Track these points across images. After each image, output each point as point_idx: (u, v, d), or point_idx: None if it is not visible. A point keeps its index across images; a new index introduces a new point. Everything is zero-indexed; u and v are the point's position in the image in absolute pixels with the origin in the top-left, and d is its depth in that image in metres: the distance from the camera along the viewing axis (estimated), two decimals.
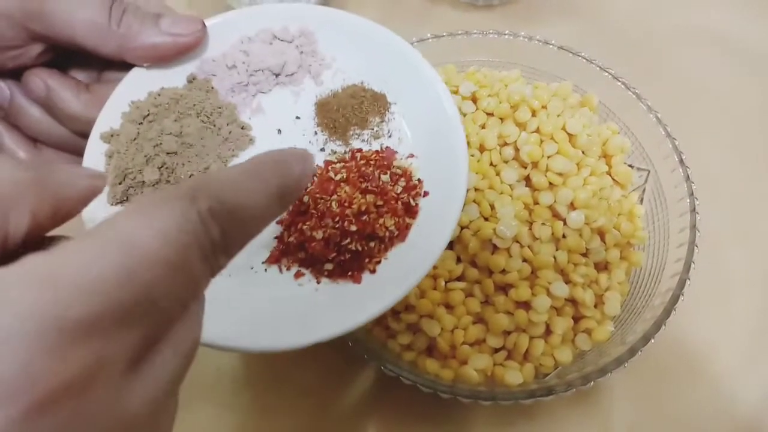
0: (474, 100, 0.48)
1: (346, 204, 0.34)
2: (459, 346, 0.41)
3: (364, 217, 0.34)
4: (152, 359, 0.18)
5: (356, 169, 0.35)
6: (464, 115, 0.47)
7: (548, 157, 0.44)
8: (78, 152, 0.37)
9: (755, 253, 0.50)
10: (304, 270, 0.34)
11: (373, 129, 0.37)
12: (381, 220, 0.34)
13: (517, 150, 0.45)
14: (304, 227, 0.34)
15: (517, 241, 0.43)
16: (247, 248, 0.28)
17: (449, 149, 0.35)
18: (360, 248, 0.33)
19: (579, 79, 0.50)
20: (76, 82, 0.36)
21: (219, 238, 0.19)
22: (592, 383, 0.38)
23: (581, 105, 0.49)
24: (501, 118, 0.47)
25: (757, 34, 0.60)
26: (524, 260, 0.43)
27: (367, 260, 0.33)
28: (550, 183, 0.44)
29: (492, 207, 0.43)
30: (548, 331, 0.42)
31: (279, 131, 0.37)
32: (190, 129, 0.35)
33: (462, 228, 0.43)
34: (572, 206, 0.44)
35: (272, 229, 0.35)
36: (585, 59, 0.49)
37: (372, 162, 0.36)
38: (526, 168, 0.45)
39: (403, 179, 0.35)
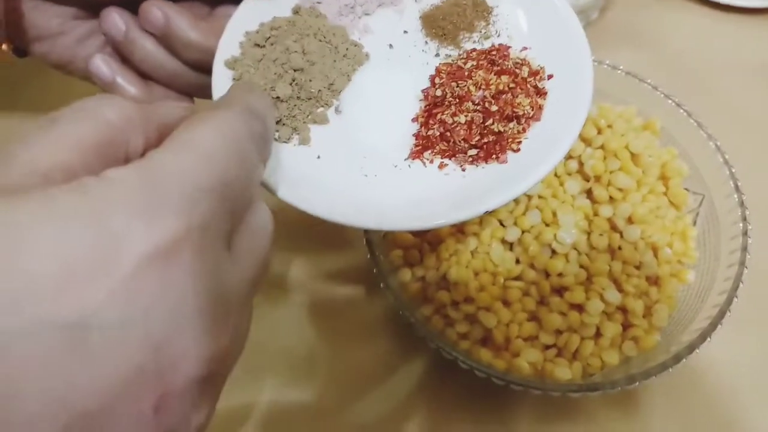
0: None
1: (485, 85, 0.35)
2: (513, 339, 0.44)
3: (504, 97, 0.35)
4: (239, 240, 0.24)
5: (482, 57, 0.37)
6: None
7: (611, 172, 0.47)
8: (189, 87, 0.39)
9: None
10: (447, 161, 0.35)
11: (481, 31, 0.38)
12: (517, 100, 0.35)
13: (581, 164, 0.48)
14: (444, 116, 0.35)
15: (575, 248, 0.46)
16: (386, 151, 0.35)
17: (565, 33, 0.36)
18: (502, 129, 0.34)
19: (643, 104, 0.52)
20: (192, 13, 0.37)
21: (261, 129, 0.26)
22: (637, 383, 0.41)
23: (644, 128, 0.52)
24: None
25: None
26: (581, 266, 0.45)
27: (509, 141, 0.34)
28: (611, 197, 0.47)
29: (554, 214, 0.46)
30: (598, 334, 0.44)
31: (390, 46, 0.39)
32: (311, 47, 0.36)
33: (523, 231, 0.47)
34: (630, 221, 0.47)
35: (408, 128, 0.36)
36: (650, 86, 0.52)
37: (493, 53, 0.37)
38: (588, 181, 0.48)
39: (525, 67, 0.36)
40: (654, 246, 0.47)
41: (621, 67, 0.53)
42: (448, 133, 0.34)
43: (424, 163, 0.35)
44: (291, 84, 0.35)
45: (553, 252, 0.46)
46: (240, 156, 0.24)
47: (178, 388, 0.20)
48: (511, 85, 0.35)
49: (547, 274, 0.46)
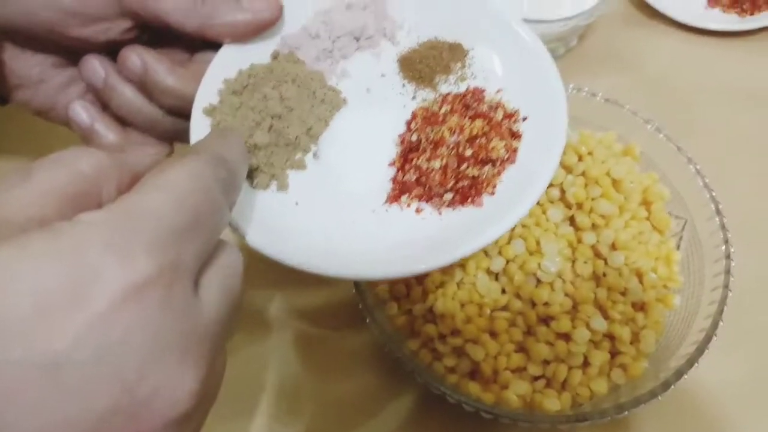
0: None
1: (458, 131, 0.35)
2: (501, 372, 0.44)
3: (478, 141, 0.35)
4: (208, 280, 0.25)
5: (458, 101, 0.37)
6: None
7: (592, 199, 0.47)
8: (168, 132, 0.39)
9: None
10: (423, 205, 0.35)
11: (457, 73, 0.39)
12: (492, 144, 0.35)
13: (563, 191, 0.48)
14: (419, 162, 0.35)
15: (560, 277, 0.46)
16: (364, 195, 0.36)
17: (539, 73, 0.37)
18: (477, 173, 0.34)
19: (623, 129, 0.53)
20: (170, 59, 0.38)
21: (227, 176, 0.27)
22: (626, 412, 0.40)
23: (624, 154, 0.52)
24: None
25: None
26: (566, 294, 0.45)
27: (485, 184, 0.35)
28: (593, 224, 0.47)
29: (537, 243, 0.46)
30: (586, 363, 0.44)
31: (368, 90, 0.39)
32: (289, 93, 0.37)
33: (508, 261, 0.47)
34: (613, 247, 0.47)
35: (385, 172, 0.36)
36: (629, 111, 0.52)
37: (468, 97, 0.37)
38: (570, 208, 0.48)
39: (500, 109, 0.37)
40: (639, 271, 0.47)
41: (600, 94, 0.53)
42: (424, 178, 0.35)
43: (401, 208, 0.35)
44: (269, 131, 0.36)
45: (538, 281, 0.46)
46: (207, 198, 0.25)
47: (154, 428, 0.20)
48: (486, 129, 0.35)
49: (533, 304, 0.45)
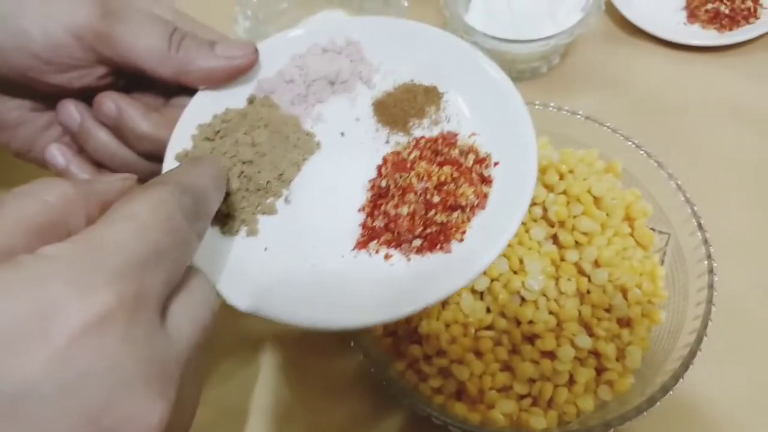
0: None
1: (426, 177, 0.35)
2: (487, 391, 0.44)
3: (446, 188, 0.35)
4: (176, 308, 0.25)
5: (428, 146, 0.37)
6: None
7: (574, 217, 0.47)
8: (142, 175, 0.39)
9: None
10: (392, 251, 0.35)
11: (431, 117, 0.39)
12: (460, 190, 0.35)
13: (545, 210, 0.48)
14: (388, 208, 0.35)
15: (544, 295, 0.46)
16: (333, 241, 0.36)
17: (510, 116, 0.37)
18: (445, 219, 0.34)
19: (604, 147, 0.53)
20: (145, 104, 0.38)
21: (192, 204, 0.27)
22: (612, 430, 0.40)
23: (606, 171, 0.52)
24: None
25: None
26: (550, 312, 0.45)
27: (453, 230, 0.34)
28: (576, 242, 0.47)
29: (521, 261, 0.47)
30: (572, 381, 0.44)
31: (342, 134, 0.39)
32: (262, 139, 0.37)
33: (492, 280, 0.47)
34: (597, 264, 0.47)
35: (355, 218, 0.36)
36: (610, 129, 0.53)
37: (439, 142, 0.37)
38: (553, 227, 0.48)
39: (471, 154, 0.36)
40: (623, 288, 0.47)
41: (580, 112, 0.54)
42: (392, 224, 0.35)
43: (370, 254, 0.35)
44: (239, 177, 0.36)
45: (523, 299, 0.46)
46: (170, 228, 0.25)
47: None
48: (455, 175, 0.35)
49: (518, 322, 0.46)
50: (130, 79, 0.39)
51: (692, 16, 0.71)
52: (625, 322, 0.47)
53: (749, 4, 0.69)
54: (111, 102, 0.37)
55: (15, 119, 0.40)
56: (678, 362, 0.43)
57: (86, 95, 0.39)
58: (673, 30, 0.69)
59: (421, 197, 0.35)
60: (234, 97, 0.39)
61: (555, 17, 0.65)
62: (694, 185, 0.50)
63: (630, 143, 0.52)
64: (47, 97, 0.40)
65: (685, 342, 0.44)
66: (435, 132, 0.38)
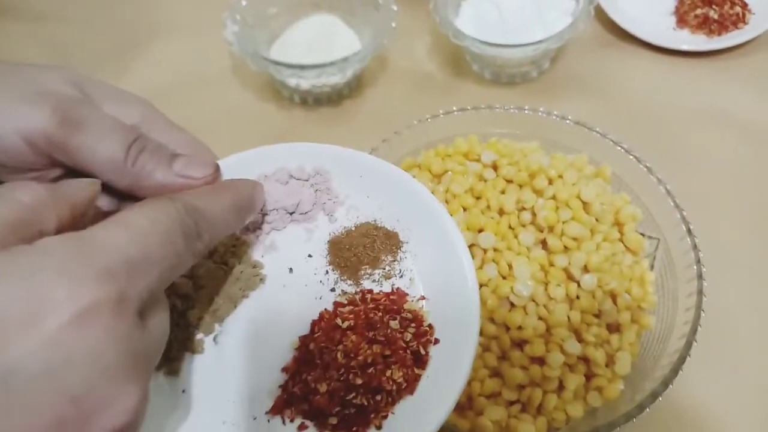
0: (495, 167, 0.51)
1: (352, 355, 0.33)
2: (476, 398, 0.43)
3: (371, 370, 0.33)
4: (151, 317, 0.27)
5: (364, 315, 0.35)
6: (485, 181, 0.50)
7: (563, 222, 0.47)
8: None
9: (762, 318, 0.52)
10: (308, 422, 0.33)
11: (384, 269, 0.37)
12: (389, 372, 0.33)
13: (534, 215, 0.48)
14: (309, 378, 0.33)
15: (533, 300, 0.46)
16: (251, 396, 0.33)
17: (461, 293, 0.35)
18: (366, 402, 0.32)
19: (594, 151, 0.53)
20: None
21: (193, 225, 0.29)
22: None
23: (595, 176, 0.52)
24: (520, 185, 0.50)
25: (761, 112, 0.64)
26: (539, 318, 0.45)
27: (372, 415, 0.32)
28: (565, 246, 0.47)
29: (510, 267, 0.46)
30: (561, 387, 0.44)
31: (290, 270, 0.37)
32: (202, 271, 0.36)
33: (481, 286, 0.46)
34: (586, 269, 0.47)
35: (277, 377, 0.34)
36: (599, 134, 0.53)
37: (381, 306, 0.35)
38: (542, 232, 0.48)
39: (413, 325, 0.35)
40: (612, 293, 0.47)
41: (570, 117, 0.54)
42: (310, 397, 0.33)
43: (284, 421, 0.33)
44: (172, 311, 0.33)
45: (512, 305, 0.46)
46: (165, 241, 0.27)
47: None
48: (386, 353, 0.33)
49: (507, 328, 0.45)
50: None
51: (681, 21, 0.71)
52: (615, 328, 0.47)
53: (738, 9, 0.70)
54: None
55: None
56: (667, 368, 0.43)
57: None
58: (663, 35, 0.70)
59: (343, 375, 0.33)
60: None
61: (545, 22, 0.65)
62: (683, 190, 0.50)
63: (619, 148, 0.52)
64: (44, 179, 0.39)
65: (675, 347, 0.44)
66: (385, 287, 0.37)
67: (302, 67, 0.59)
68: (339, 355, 0.33)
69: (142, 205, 0.27)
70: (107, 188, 0.37)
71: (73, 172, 0.37)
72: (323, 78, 0.61)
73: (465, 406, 0.44)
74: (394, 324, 0.34)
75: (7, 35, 0.74)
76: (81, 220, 0.30)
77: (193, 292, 0.36)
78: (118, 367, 0.23)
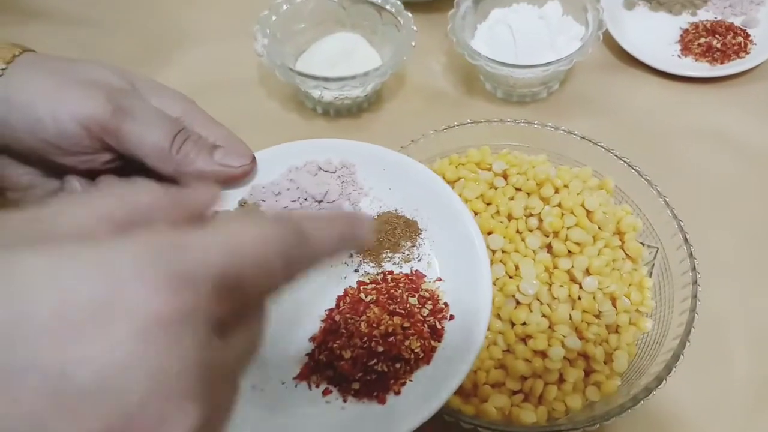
0: (505, 176, 0.55)
1: (374, 325, 0.36)
2: (481, 386, 0.46)
3: (391, 339, 0.35)
4: (233, 336, 0.24)
5: (386, 291, 0.38)
6: (495, 188, 0.54)
7: (568, 228, 0.51)
8: None
9: (751, 320, 0.55)
10: (332, 388, 0.36)
11: (404, 253, 0.40)
12: (407, 342, 0.35)
13: (540, 221, 0.52)
14: (334, 346, 0.36)
15: (538, 299, 0.49)
16: (279, 363, 0.35)
17: (474, 277, 0.38)
18: (386, 369, 0.35)
19: (598, 165, 0.57)
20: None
21: (297, 256, 0.26)
22: (597, 425, 0.43)
23: (599, 187, 0.55)
24: (528, 193, 0.53)
25: (756, 135, 0.67)
26: (543, 315, 0.48)
27: (392, 381, 0.35)
28: (569, 251, 0.50)
29: (516, 267, 0.50)
30: (561, 380, 0.47)
31: None
32: None
33: None
34: (587, 272, 0.50)
35: (305, 346, 0.37)
36: (604, 148, 0.56)
37: (401, 284, 0.38)
38: (548, 236, 0.51)
39: (430, 302, 0.37)
40: (612, 296, 0.50)
41: (576, 132, 0.57)
42: (335, 363, 0.36)
43: (310, 386, 0.36)
44: None
45: (517, 302, 0.49)
46: (262, 262, 0.24)
47: None
48: (406, 325, 0.36)
49: (512, 324, 0.48)
50: (133, 165, 0.41)
51: (686, 49, 0.75)
52: (613, 329, 0.50)
53: (740, 39, 0.74)
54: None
55: (26, 183, 0.43)
56: (662, 365, 0.46)
57: (91, 174, 0.42)
58: (667, 61, 0.73)
59: (366, 343, 0.35)
60: (227, 199, 0.41)
61: (555, 45, 0.69)
62: (681, 203, 0.53)
63: (622, 162, 0.55)
64: (56, 169, 0.42)
65: (669, 347, 0.47)
66: (404, 269, 0.40)
67: (326, 79, 0.63)
68: (362, 324, 0.36)
69: (252, 218, 0.25)
70: (151, 174, 0.40)
71: (122, 158, 0.41)
72: (345, 91, 0.65)
73: (471, 393, 0.47)
74: (413, 300, 0.37)
75: (38, 39, 0.77)
76: (199, 220, 0.27)
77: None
78: (180, 385, 0.20)
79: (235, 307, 0.23)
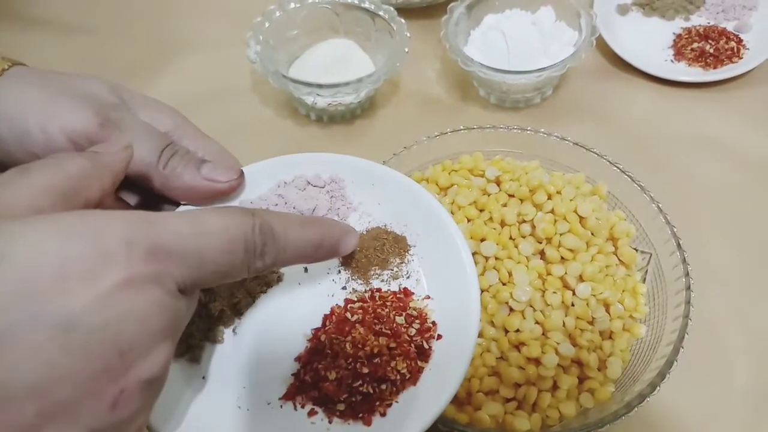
0: (498, 183, 0.55)
1: (360, 345, 0.35)
2: (475, 394, 0.46)
3: (376, 360, 0.35)
4: (186, 298, 0.28)
5: (372, 310, 0.37)
6: (488, 195, 0.54)
7: (560, 234, 0.50)
8: None
9: (744, 326, 0.55)
10: (317, 408, 0.36)
11: (392, 269, 0.40)
12: (393, 363, 0.35)
13: (533, 227, 0.52)
14: (319, 366, 0.36)
15: (531, 306, 0.49)
16: (265, 383, 0.37)
17: (464, 294, 0.38)
18: (371, 390, 0.35)
19: (591, 171, 0.57)
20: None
21: (260, 245, 0.30)
22: None
23: (592, 193, 0.55)
24: (521, 199, 0.53)
25: (748, 140, 0.68)
26: (536, 322, 0.48)
27: (377, 403, 0.35)
28: (562, 257, 0.50)
29: (510, 274, 0.49)
30: (555, 387, 0.47)
31: (306, 269, 0.40)
32: None
33: (482, 291, 0.49)
34: (581, 279, 0.50)
35: (290, 366, 0.37)
36: (596, 154, 0.56)
37: (389, 303, 0.38)
38: (541, 243, 0.51)
39: (417, 321, 0.37)
40: (606, 302, 0.50)
41: (569, 138, 0.57)
42: (320, 384, 0.35)
43: (295, 407, 0.36)
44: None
45: (511, 309, 0.49)
46: (227, 249, 0.28)
47: (132, 386, 0.25)
48: (392, 346, 0.36)
49: (506, 331, 0.48)
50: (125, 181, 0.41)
51: (679, 54, 0.75)
52: (607, 335, 0.50)
53: (733, 44, 0.74)
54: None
55: None
56: (655, 372, 0.46)
57: None
58: (661, 66, 0.73)
59: (351, 365, 0.35)
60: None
61: (548, 51, 0.69)
62: (674, 209, 0.53)
63: (615, 168, 0.55)
64: None
65: (663, 353, 0.47)
66: (393, 286, 0.39)
67: (320, 86, 0.63)
68: (348, 345, 0.36)
69: (220, 209, 0.29)
70: (139, 188, 0.40)
71: None
72: (338, 97, 0.64)
73: (464, 401, 0.47)
74: (400, 319, 0.37)
75: (36, 47, 0.78)
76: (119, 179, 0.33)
77: (215, 286, 0.38)
78: (158, 328, 0.25)
79: (196, 283, 0.28)
